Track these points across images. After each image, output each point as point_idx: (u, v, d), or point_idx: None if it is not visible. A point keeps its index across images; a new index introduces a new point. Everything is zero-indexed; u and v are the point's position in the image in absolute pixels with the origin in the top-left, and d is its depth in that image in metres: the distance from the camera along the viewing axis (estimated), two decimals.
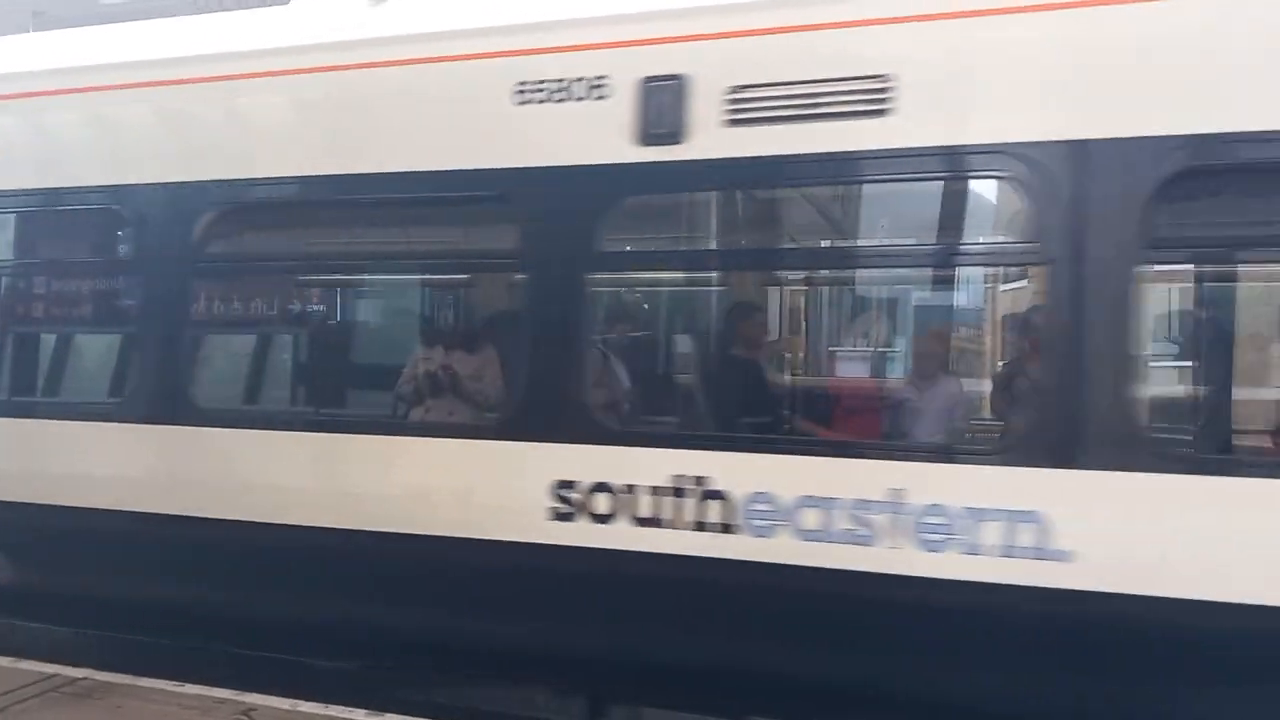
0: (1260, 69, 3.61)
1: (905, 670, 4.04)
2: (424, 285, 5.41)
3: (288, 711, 4.54)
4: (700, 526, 4.19)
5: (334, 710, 4.50)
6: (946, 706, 4.01)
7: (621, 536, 4.29)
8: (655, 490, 4.25)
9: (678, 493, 4.22)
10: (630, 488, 4.29)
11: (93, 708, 4.62)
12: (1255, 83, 3.61)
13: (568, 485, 4.37)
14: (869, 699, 4.13)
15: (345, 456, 4.79)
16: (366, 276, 5.15)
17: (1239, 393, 4.63)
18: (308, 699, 4.63)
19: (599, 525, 4.33)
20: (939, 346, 4.91)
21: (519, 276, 4.66)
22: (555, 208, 4.43)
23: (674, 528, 4.22)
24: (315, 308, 5.23)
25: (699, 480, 4.20)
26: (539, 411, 4.50)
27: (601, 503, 4.33)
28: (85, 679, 4.92)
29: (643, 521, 4.27)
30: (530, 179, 4.46)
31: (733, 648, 4.25)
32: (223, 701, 4.66)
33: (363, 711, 4.46)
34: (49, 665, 5.08)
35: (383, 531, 4.65)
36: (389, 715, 4.43)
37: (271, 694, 4.68)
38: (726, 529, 4.16)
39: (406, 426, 5.01)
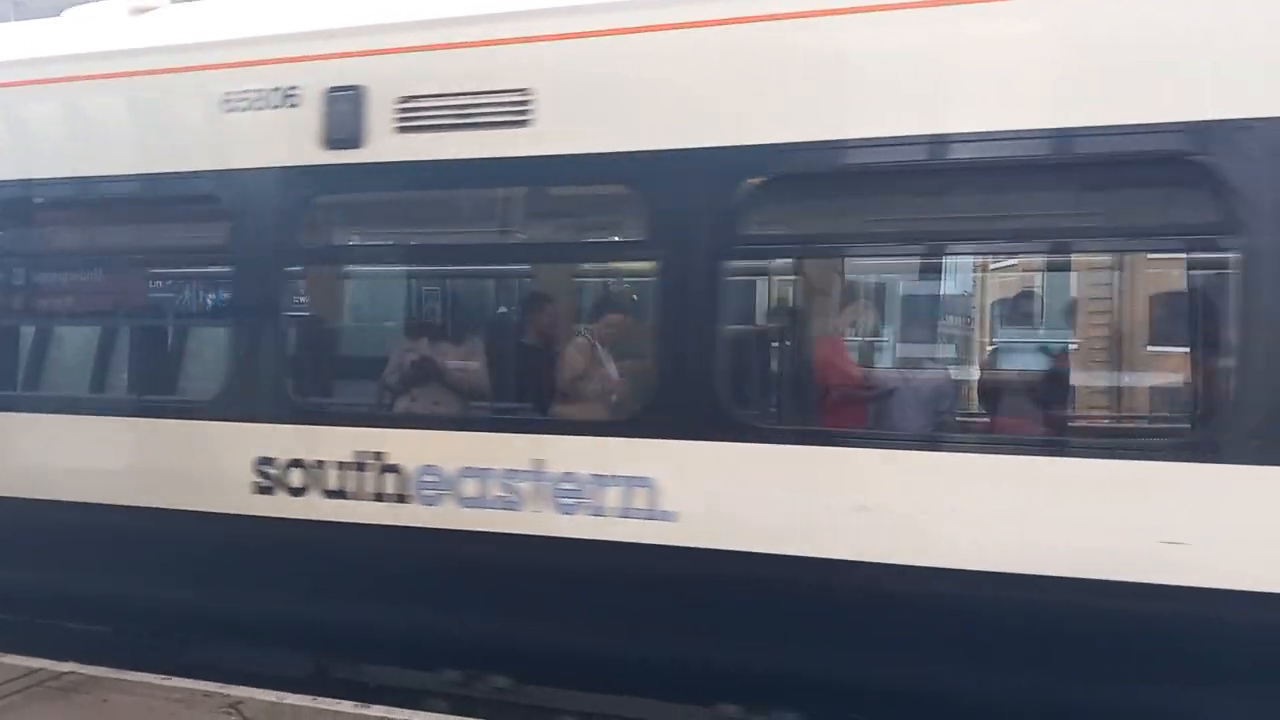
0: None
1: (557, 623, 4.50)
2: (152, 279, 5.80)
3: (274, 704, 4.58)
4: (379, 497, 4.64)
5: (321, 703, 4.58)
6: (591, 657, 4.48)
7: (314, 508, 4.73)
8: (341, 465, 4.69)
9: (360, 467, 4.67)
10: (320, 463, 4.73)
11: (79, 702, 4.62)
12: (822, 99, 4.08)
13: (268, 461, 4.80)
14: (532, 654, 4.61)
15: (81, 437, 5.20)
16: (99, 273, 5.53)
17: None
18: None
19: (294, 498, 4.76)
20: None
21: (229, 269, 5.06)
22: (257, 206, 4.84)
23: (357, 499, 4.67)
24: (61, 298, 5.61)
25: (378, 455, 4.65)
26: (245, 393, 4.92)
27: (296, 477, 4.76)
28: (71, 673, 4.93)
29: (331, 494, 4.71)
30: (236, 180, 4.87)
31: (416, 608, 4.70)
32: (209, 695, 4.68)
33: (350, 704, 4.57)
34: (34, 660, 5.07)
35: (116, 504, 5.06)
36: (374, 708, 4.53)
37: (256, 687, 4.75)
38: (401, 499, 4.61)
39: (138, 408, 5.41)
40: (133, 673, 4.96)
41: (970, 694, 3.93)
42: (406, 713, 4.51)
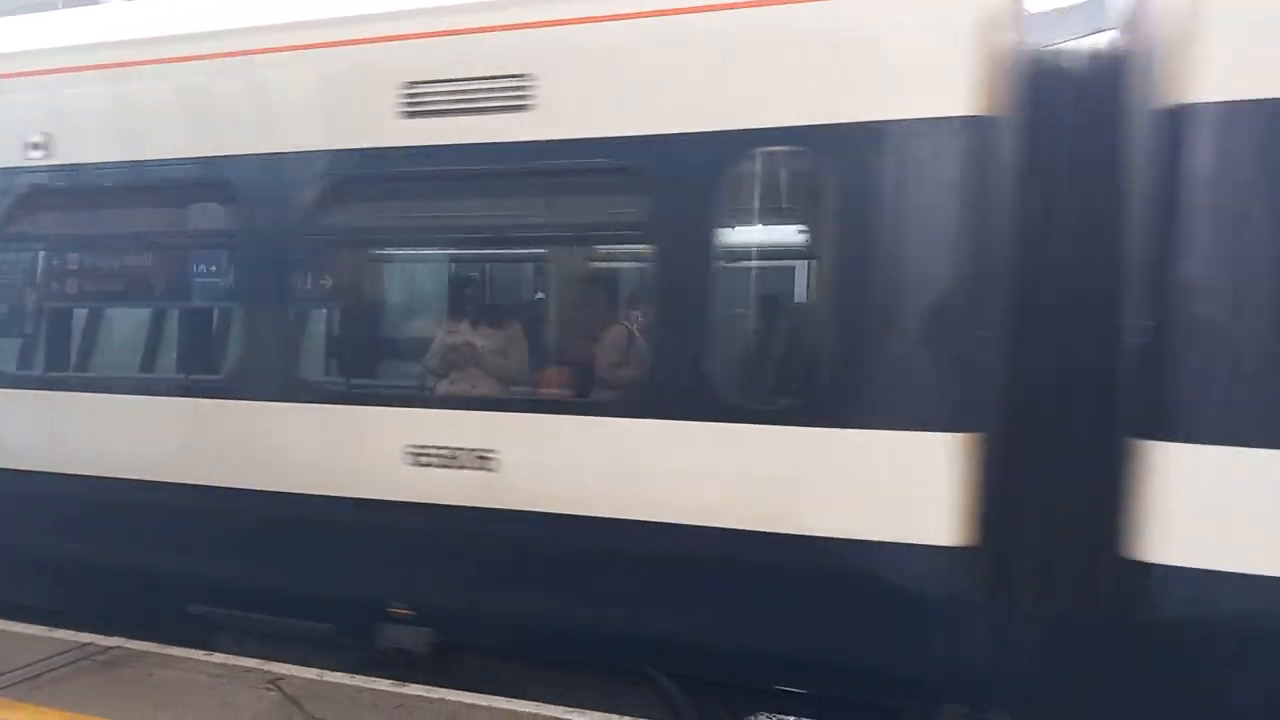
0: None
1: None
2: None
3: (314, 680, 4.72)
4: None
5: (359, 680, 4.70)
6: None
7: None
8: None
9: None
10: None
11: (124, 676, 4.76)
12: None
13: None
14: None
15: None
16: None
17: None
18: None
19: None
20: None
21: None
22: None
23: None
24: None
25: None
26: None
27: None
28: (117, 648, 5.09)
29: None
30: None
31: None
32: (250, 670, 4.82)
33: (388, 681, 4.69)
34: (82, 634, 5.23)
35: None
36: (411, 686, 4.64)
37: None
38: None
39: None
40: (177, 648, 5.08)
41: None
42: (443, 691, 4.60)
